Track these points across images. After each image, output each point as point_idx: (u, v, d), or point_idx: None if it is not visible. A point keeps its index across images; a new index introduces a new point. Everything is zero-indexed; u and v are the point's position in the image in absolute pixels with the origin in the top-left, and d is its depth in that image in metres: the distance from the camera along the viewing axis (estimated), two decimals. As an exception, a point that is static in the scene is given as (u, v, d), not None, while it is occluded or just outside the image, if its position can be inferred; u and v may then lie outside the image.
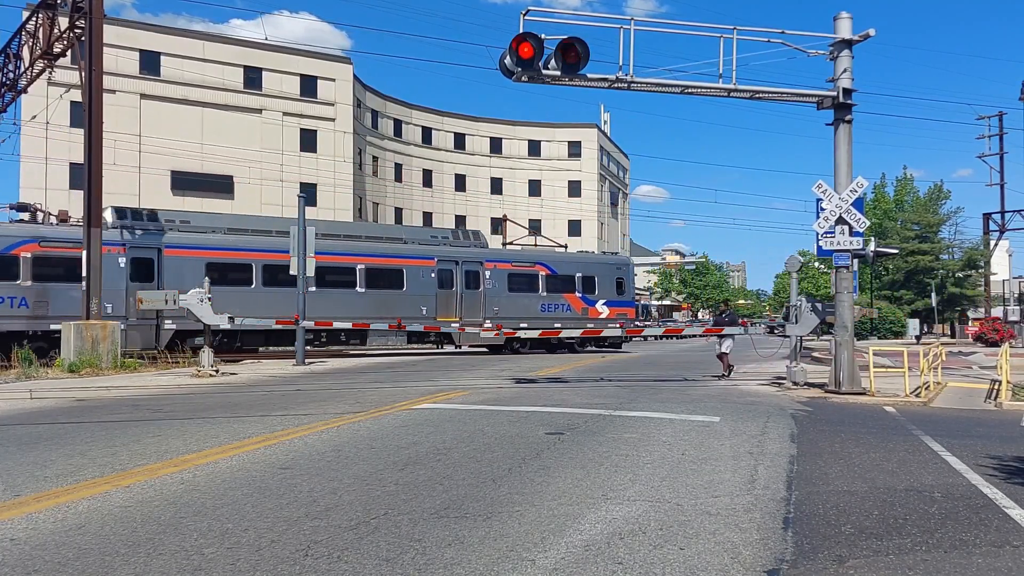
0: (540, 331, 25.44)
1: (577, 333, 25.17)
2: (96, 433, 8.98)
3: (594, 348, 31.19)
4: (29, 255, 21.07)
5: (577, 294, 29.93)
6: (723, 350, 18.26)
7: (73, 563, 4.35)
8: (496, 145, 71.61)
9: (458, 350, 29.10)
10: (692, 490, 6.24)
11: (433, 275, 27.16)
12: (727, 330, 18.11)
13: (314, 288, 23.47)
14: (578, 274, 30.25)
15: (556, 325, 27.55)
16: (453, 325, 23.83)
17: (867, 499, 6.05)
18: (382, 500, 5.79)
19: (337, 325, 23.91)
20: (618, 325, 29.05)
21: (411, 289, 26.64)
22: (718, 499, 5.94)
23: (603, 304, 30.33)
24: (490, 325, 24.10)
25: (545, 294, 29.28)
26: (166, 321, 22.44)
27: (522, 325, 27.03)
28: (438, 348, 29.39)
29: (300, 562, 4.37)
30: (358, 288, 26.03)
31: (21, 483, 6.34)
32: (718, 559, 4.52)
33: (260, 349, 25.62)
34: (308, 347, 22.32)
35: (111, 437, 8.66)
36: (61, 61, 22.16)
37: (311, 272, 22.35)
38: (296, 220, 22.05)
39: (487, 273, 28.18)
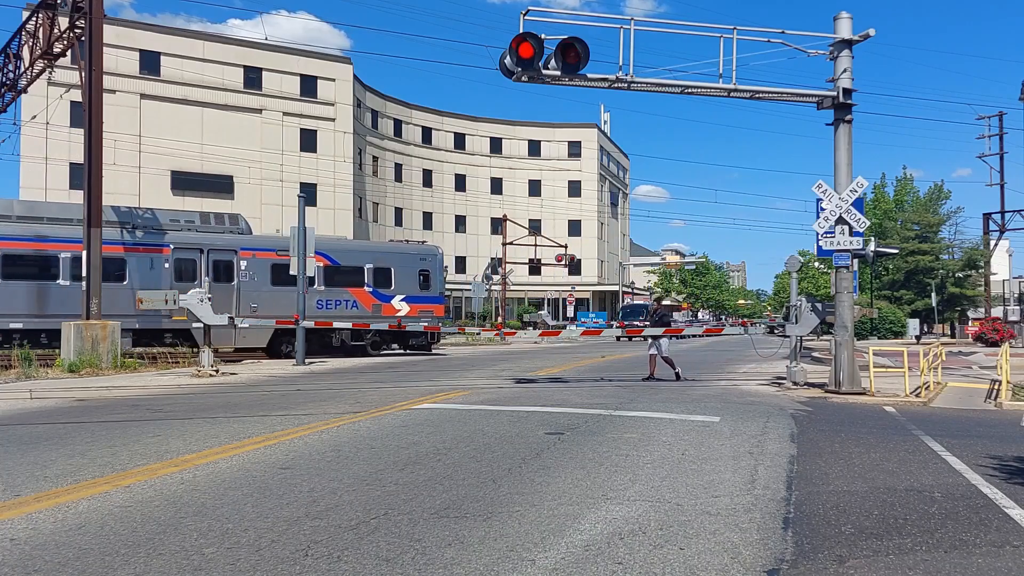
0: (425, 324, 23.51)
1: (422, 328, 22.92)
2: (96, 433, 8.98)
3: (399, 350, 27.95)
4: None
5: (367, 288, 26.09)
6: (654, 351, 17.31)
7: (73, 563, 4.35)
8: (496, 145, 71.68)
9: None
10: (692, 490, 6.24)
11: (167, 265, 23.06)
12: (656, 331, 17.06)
13: None
14: (368, 265, 26.37)
15: (337, 324, 23.76)
16: (197, 325, 19.72)
17: (867, 499, 6.05)
18: (382, 500, 5.79)
19: (34, 325, 20.95)
20: (422, 323, 25.90)
21: (136, 282, 22.36)
22: (718, 499, 5.94)
23: (402, 300, 26.55)
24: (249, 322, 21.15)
25: (323, 288, 25.29)
26: None
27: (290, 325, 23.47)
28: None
29: (300, 562, 4.37)
30: (61, 281, 21.78)
31: (21, 483, 6.34)
32: (718, 559, 4.52)
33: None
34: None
35: (111, 437, 8.66)
36: (61, 61, 22.16)
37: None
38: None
39: (243, 263, 24.07)
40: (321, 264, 25.00)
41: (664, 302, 24.78)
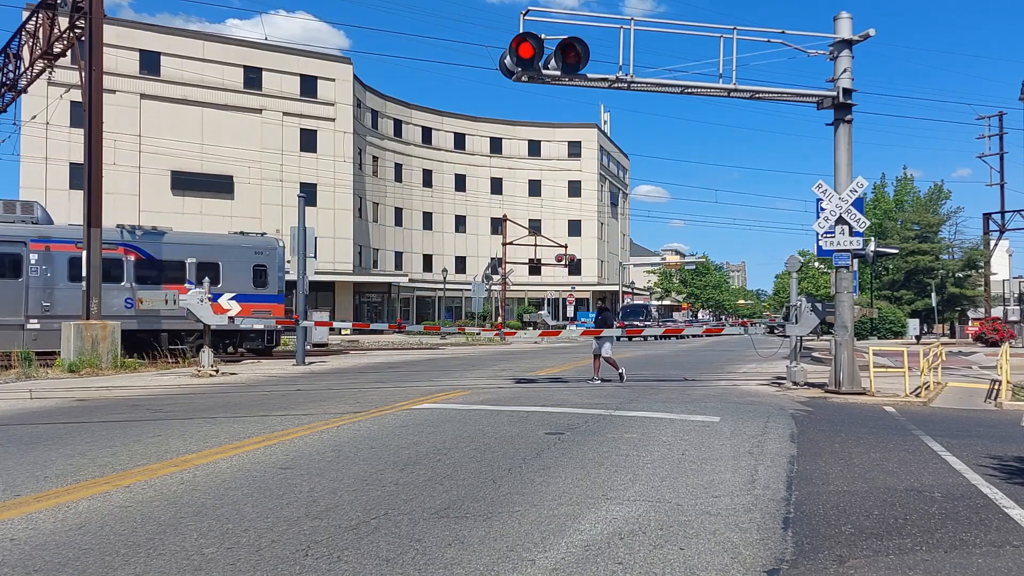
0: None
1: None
2: (96, 433, 8.98)
3: (236, 352, 24.86)
4: None
5: (188, 285, 22.84)
6: (599, 352, 16.60)
7: (73, 563, 4.35)
8: (496, 145, 71.69)
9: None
10: (692, 490, 6.24)
11: None
12: (606, 331, 16.58)
13: None
14: (190, 260, 23.41)
15: (161, 327, 21.35)
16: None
17: (867, 499, 6.05)
18: (382, 500, 5.79)
19: None
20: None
21: None
22: (718, 499, 5.94)
23: (231, 299, 23.64)
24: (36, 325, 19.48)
25: (133, 285, 22.34)
26: None
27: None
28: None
29: (300, 562, 4.37)
30: None
31: (21, 483, 6.34)
32: (718, 559, 4.52)
33: None
34: None
35: (111, 437, 8.66)
36: (61, 61, 22.18)
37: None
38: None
39: (33, 257, 21.24)
40: (131, 257, 22.63)
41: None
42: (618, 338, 43.45)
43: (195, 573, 4.20)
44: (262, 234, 25.99)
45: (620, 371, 16.41)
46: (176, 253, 23.58)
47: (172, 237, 24.20)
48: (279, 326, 23.43)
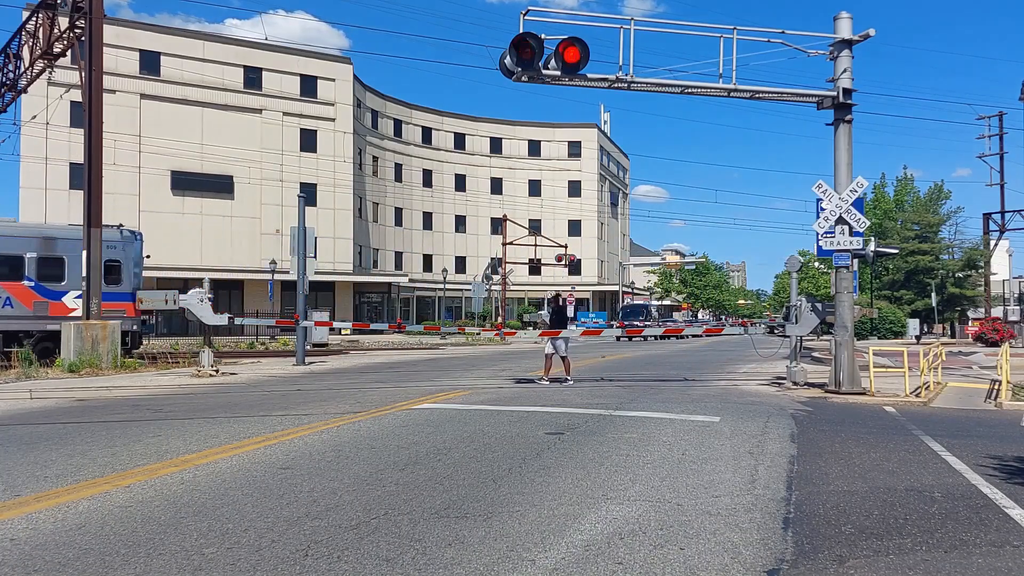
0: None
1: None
2: (96, 433, 8.98)
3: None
4: None
5: (27, 283, 20.98)
6: (553, 350, 16.08)
7: (73, 563, 4.35)
8: (496, 145, 71.70)
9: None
10: (692, 490, 6.24)
11: None
12: (563, 332, 16.10)
13: None
14: (30, 254, 21.16)
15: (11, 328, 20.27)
16: None
17: (867, 499, 6.04)
18: (382, 500, 5.79)
19: None
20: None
21: None
22: (718, 499, 5.94)
23: (77, 297, 20.84)
24: None
25: None
26: None
27: None
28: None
29: (300, 562, 4.37)
30: None
31: (21, 483, 6.34)
32: (718, 559, 4.52)
33: None
34: None
35: (111, 437, 8.66)
36: (61, 61, 22.19)
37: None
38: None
39: None
40: None
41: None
42: (619, 338, 43.21)
43: (195, 573, 4.20)
44: (118, 226, 23.41)
45: (568, 378, 15.86)
46: (12, 247, 21.23)
47: (8, 229, 21.90)
48: (135, 327, 22.20)
